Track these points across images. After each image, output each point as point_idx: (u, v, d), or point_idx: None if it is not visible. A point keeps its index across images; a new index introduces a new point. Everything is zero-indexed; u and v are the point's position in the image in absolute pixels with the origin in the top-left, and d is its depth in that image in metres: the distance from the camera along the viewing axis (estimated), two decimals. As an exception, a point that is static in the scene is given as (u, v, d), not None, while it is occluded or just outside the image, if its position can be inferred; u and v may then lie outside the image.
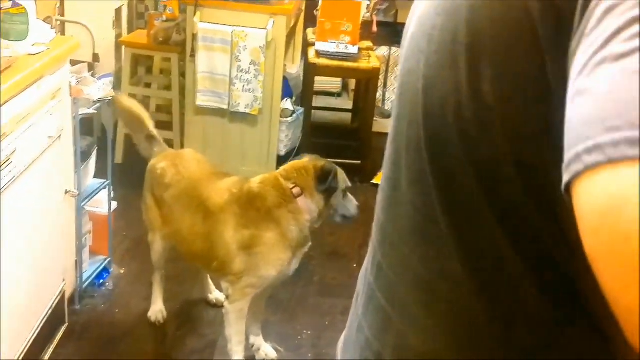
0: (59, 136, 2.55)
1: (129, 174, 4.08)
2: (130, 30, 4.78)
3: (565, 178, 0.50)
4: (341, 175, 2.58)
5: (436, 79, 0.73)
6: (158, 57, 4.66)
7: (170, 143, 4.53)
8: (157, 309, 2.97)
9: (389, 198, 0.86)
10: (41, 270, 2.49)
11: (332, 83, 5.90)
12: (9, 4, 2.39)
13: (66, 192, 2.69)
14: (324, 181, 2.48)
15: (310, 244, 2.56)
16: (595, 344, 0.71)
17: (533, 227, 0.68)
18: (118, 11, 4.54)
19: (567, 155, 0.50)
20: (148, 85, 4.71)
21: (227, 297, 2.59)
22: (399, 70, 0.87)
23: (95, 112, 2.94)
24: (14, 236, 2.24)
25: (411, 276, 0.81)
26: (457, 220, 0.74)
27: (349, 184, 2.64)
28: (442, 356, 0.79)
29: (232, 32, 3.92)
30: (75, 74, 2.79)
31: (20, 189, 2.24)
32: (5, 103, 2.11)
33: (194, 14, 3.96)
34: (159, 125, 4.62)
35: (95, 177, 3.22)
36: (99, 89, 2.89)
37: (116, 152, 4.32)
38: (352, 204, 2.63)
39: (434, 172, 0.75)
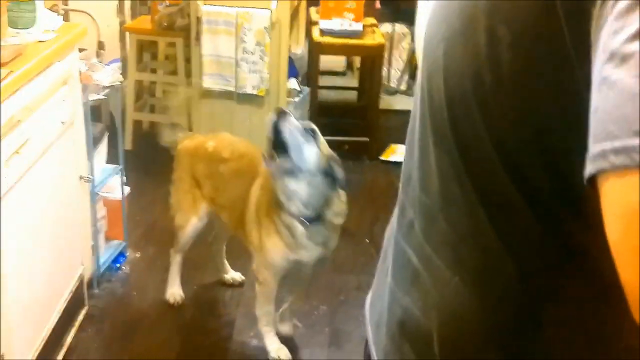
0: (72, 122, 2.57)
1: (138, 160, 4.11)
2: (134, 16, 4.78)
3: (590, 169, 0.52)
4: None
5: (456, 44, 0.74)
6: (162, 42, 4.67)
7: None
8: (175, 291, 3.01)
9: (419, 159, 0.87)
10: (60, 255, 2.52)
11: (337, 62, 5.90)
12: (17, -7, 2.40)
13: (80, 177, 2.71)
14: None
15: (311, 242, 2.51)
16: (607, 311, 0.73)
17: (546, 192, 0.70)
18: (121, -2, 4.54)
19: (593, 147, 0.53)
20: (154, 71, 4.72)
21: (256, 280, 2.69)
22: (424, 34, 0.88)
23: (105, 97, 2.96)
24: (32, 222, 2.27)
25: (438, 235, 0.83)
26: (479, 183, 0.75)
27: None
28: (465, 313, 0.81)
29: (236, 14, 3.92)
30: (84, 60, 2.81)
31: (37, 175, 2.27)
32: (17, 90, 2.13)
33: (197, -3, 3.96)
34: (168, 110, 4.65)
35: (106, 163, 3.25)
36: (108, 74, 2.91)
37: (125, 139, 4.34)
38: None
39: (455, 135, 0.77)
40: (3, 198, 2.03)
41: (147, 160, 4.23)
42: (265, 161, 2.38)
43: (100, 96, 2.92)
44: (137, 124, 4.59)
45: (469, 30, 0.71)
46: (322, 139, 2.41)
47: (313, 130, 2.36)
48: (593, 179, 0.53)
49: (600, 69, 0.54)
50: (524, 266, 0.75)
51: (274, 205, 2.49)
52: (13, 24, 2.41)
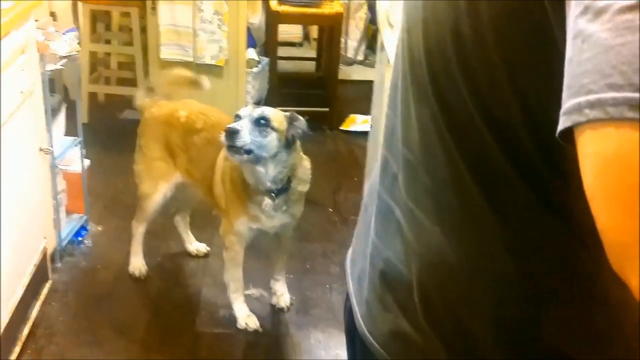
0: (31, 92, 2.51)
1: (95, 133, 4.03)
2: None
3: (566, 122, 0.54)
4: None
5: None
6: (116, 12, 4.56)
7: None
8: (139, 263, 2.99)
9: (402, 114, 0.89)
10: (23, 229, 2.47)
11: (293, 33, 5.87)
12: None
13: (40, 149, 2.65)
14: None
15: (273, 200, 2.49)
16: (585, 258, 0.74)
17: (524, 145, 0.71)
18: (72, -33, 4.42)
19: (568, 101, 0.54)
20: (108, 42, 4.62)
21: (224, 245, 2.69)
22: None
23: (63, 67, 2.89)
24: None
25: (419, 187, 0.85)
26: (457, 135, 0.77)
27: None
28: (444, 262, 0.82)
29: (193, -17, 3.86)
30: (40, 29, 2.73)
31: (-3, 146, 2.21)
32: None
33: (153, -34, 3.88)
34: (123, 82, 4.59)
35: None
36: (65, 44, 2.83)
37: (81, 112, 4.25)
38: None
39: (434, 88, 0.78)
40: (-35, 170, 1.97)
41: (104, 133, 4.17)
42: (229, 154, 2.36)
43: (58, 66, 2.85)
44: (92, 96, 4.50)
45: None
46: (276, 117, 2.36)
47: (265, 118, 2.33)
48: (568, 133, 0.55)
49: (574, 21, 0.55)
50: (503, 215, 0.76)
51: (241, 182, 2.48)
52: (-34, -9, 2.33)
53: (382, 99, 2.99)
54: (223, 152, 2.56)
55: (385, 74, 2.86)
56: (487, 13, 0.68)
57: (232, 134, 2.27)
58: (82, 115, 4.23)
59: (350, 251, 1.11)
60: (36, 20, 2.73)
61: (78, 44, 3.04)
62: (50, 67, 2.78)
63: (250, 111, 2.36)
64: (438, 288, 0.83)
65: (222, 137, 2.29)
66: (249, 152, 2.30)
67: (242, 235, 2.61)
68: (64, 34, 2.88)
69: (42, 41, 2.70)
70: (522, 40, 0.66)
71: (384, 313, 0.92)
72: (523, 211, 0.75)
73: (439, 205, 0.82)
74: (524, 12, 0.65)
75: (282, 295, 2.85)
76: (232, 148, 2.29)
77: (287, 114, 2.42)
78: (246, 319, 2.71)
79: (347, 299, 1.08)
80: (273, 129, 2.33)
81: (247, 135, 2.28)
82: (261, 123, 2.31)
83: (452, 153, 0.77)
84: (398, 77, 0.90)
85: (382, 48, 3.01)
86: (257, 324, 2.71)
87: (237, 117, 2.35)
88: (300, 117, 2.43)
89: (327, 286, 3.01)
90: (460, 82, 0.73)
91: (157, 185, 2.82)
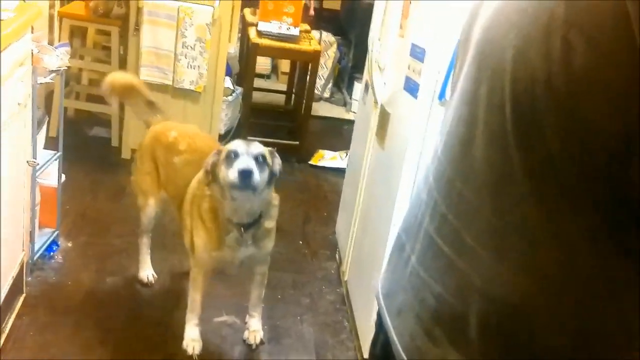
0: (25, 105, 2.51)
1: (64, 147, 4.00)
2: (63, 2, 4.66)
3: None
4: None
5: (528, 51, 0.81)
6: (92, 29, 4.58)
7: (108, 118, 4.48)
8: (148, 272, 3.07)
9: (461, 155, 0.94)
10: (7, 241, 2.45)
11: (262, 65, 5.95)
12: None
13: (27, 162, 2.64)
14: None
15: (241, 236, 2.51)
16: None
17: (609, 189, 0.77)
18: (52, -19, 4.42)
19: None
20: (81, 58, 4.61)
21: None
22: (476, 38, 0.95)
23: (52, 81, 2.89)
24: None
25: (481, 225, 0.89)
26: (537, 175, 0.81)
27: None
28: (510, 297, 0.86)
29: (178, 8, 3.91)
30: (35, 42, 2.73)
31: (-7, 155, 2.21)
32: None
33: (140, -12, 3.92)
34: (94, 99, 4.58)
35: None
36: (57, 58, 2.84)
37: (50, 126, 4.22)
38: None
39: (517, 134, 0.83)
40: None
41: (73, 148, 4.13)
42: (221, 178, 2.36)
43: (48, 79, 2.85)
44: (64, 110, 4.47)
45: (544, 38, 0.78)
46: (267, 153, 2.39)
47: (263, 156, 2.36)
48: None
49: None
50: (577, 253, 0.81)
51: (212, 213, 2.49)
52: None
53: (364, 137, 3.08)
54: (198, 175, 2.59)
55: (371, 113, 2.96)
56: (582, 64, 0.73)
57: (248, 175, 2.28)
58: (52, 129, 4.22)
59: (381, 286, 1.14)
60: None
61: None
62: (41, 80, 2.79)
63: (246, 148, 2.35)
64: (499, 322, 0.87)
65: (234, 176, 2.28)
66: (255, 189, 2.33)
67: (202, 261, 2.62)
68: (56, 48, 2.89)
69: (37, 54, 2.70)
70: (615, 85, 0.72)
71: (431, 346, 0.95)
72: (597, 254, 0.80)
73: (505, 244, 0.86)
74: (618, 55, 0.71)
75: (255, 332, 2.84)
76: (245, 187, 2.31)
77: (269, 149, 2.44)
78: (191, 342, 2.71)
79: (378, 331, 1.13)
80: (267, 165, 2.38)
81: (257, 175, 2.30)
82: (259, 161, 2.35)
83: (526, 195, 0.82)
84: (457, 123, 0.96)
85: (367, 89, 3.11)
86: (198, 351, 2.69)
87: (235, 154, 2.33)
88: (276, 154, 2.46)
89: (298, 317, 3.05)
90: (548, 130, 0.78)
91: (148, 199, 2.91)
